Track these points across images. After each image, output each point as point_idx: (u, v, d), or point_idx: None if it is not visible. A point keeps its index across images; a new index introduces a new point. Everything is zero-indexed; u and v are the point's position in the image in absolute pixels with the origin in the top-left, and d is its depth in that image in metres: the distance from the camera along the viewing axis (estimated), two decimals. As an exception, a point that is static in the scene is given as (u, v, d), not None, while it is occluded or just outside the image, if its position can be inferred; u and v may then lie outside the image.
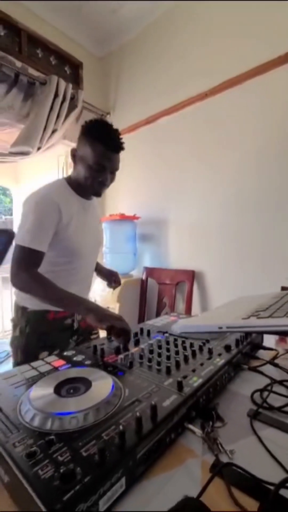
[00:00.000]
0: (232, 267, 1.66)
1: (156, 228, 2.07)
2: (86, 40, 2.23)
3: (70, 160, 0.97)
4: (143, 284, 2.06)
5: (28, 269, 0.85)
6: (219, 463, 0.39)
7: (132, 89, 2.26)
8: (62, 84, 1.85)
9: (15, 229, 0.86)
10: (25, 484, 0.30)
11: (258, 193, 1.57)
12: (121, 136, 0.90)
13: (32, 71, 1.81)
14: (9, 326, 3.85)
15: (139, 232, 2.10)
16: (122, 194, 2.20)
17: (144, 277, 2.08)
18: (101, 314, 0.77)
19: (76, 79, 2.19)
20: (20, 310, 0.98)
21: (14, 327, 1.00)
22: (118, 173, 0.97)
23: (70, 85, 1.93)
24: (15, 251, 0.86)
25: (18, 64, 1.70)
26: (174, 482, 0.37)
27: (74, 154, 0.93)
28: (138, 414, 0.39)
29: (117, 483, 0.33)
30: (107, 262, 2.02)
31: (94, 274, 1.17)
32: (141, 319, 2.02)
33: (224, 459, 0.41)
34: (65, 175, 1.27)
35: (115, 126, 0.92)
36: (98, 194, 0.97)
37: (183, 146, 1.91)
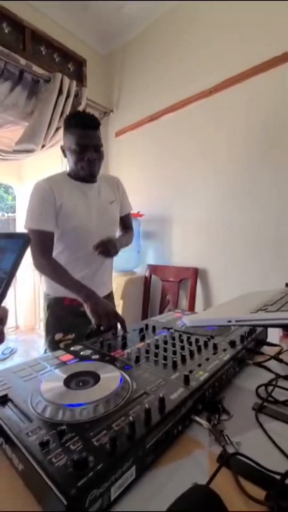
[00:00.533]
0: (236, 265, 1.66)
1: (159, 226, 2.07)
2: (90, 38, 2.22)
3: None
4: (147, 281, 2.07)
5: (42, 253, 0.99)
6: (226, 454, 0.40)
7: (136, 86, 2.26)
8: (66, 81, 1.85)
9: (19, 227, 0.97)
10: (40, 471, 0.31)
11: (263, 190, 1.57)
12: (93, 115, 0.99)
13: (35, 68, 1.81)
14: (13, 323, 3.89)
15: (142, 229, 2.11)
16: (126, 191, 2.21)
17: (147, 274, 2.09)
18: (94, 306, 0.89)
19: (79, 77, 2.19)
20: (45, 296, 1.14)
21: (43, 310, 1.17)
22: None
23: (74, 82, 1.93)
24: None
25: (23, 61, 1.70)
26: (182, 471, 0.38)
27: (63, 150, 1.04)
28: (147, 406, 0.40)
29: (127, 471, 0.34)
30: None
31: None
32: (145, 316, 2.03)
33: (230, 450, 0.42)
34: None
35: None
36: (91, 173, 1.02)
37: (187, 143, 1.91)
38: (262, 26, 1.53)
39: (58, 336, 1.06)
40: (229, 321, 0.39)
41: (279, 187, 1.51)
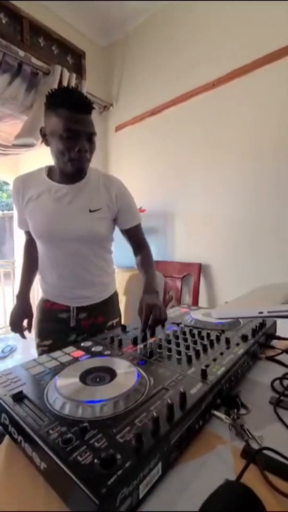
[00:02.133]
0: (239, 260, 1.66)
1: (162, 221, 2.06)
2: (89, 29, 2.18)
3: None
4: (149, 277, 2.06)
5: (24, 250, 1.06)
6: (250, 449, 0.39)
7: (136, 79, 2.22)
8: (66, 74, 1.81)
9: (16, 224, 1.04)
10: (67, 470, 0.30)
11: (267, 185, 1.55)
12: (86, 97, 0.79)
13: (34, 61, 1.77)
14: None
15: (144, 225, 2.09)
16: (127, 186, 2.18)
17: (149, 270, 2.08)
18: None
19: (78, 69, 2.15)
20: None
21: None
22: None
23: (74, 75, 1.89)
24: None
25: (21, 53, 1.66)
26: (207, 467, 0.38)
27: (44, 134, 0.82)
28: (169, 401, 0.39)
29: (154, 468, 0.33)
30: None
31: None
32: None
33: (253, 445, 0.41)
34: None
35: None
36: (80, 168, 0.83)
37: (189, 137, 1.89)
38: (267, 16, 1.51)
39: (36, 340, 1.00)
40: (261, 313, 0.38)
41: (284, 182, 1.50)
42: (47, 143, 0.84)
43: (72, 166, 0.81)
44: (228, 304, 0.55)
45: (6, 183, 3.65)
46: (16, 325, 1.01)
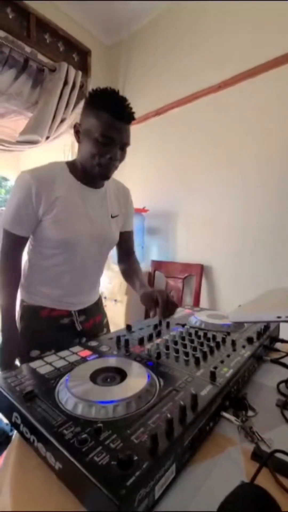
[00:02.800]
0: (242, 262, 1.66)
1: (164, 221, 2.06)
2: (95, 27, 2.16)
3: (75, 148, 0.92)
4: (151, 278, 2.06)
5: (7, 254, 0.84)
6: (261, 452, 0.39)
7: (141, 79, 2.21)
8: (72, 71, 1.81)
9: None
10: (85, 471, 0.30)
11: (270, 187, 1.56)
12: (130, 105, 0.77)
13: (40, 57, 1.76)
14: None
15: (147, 225, 2.09)
16: (130, 186, 2.18)
17: (151, 270, 2.08)
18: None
19: (84, 67, 2.14)
20: (20, 303, 0.92)
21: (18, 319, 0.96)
22: (125, 164, 0.89)
23: (80, 73, 1.88)
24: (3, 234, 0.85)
25: (28, 49, 1.65)
26: (219, 468, 0.38)
27: (77, 130, 0.80)
28: (182, 403, 0.40)
29: (169, 470, 0.34)
30: (114, 255, 2.01)
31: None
32: (148, 311, 2.02)
33: (262, 447, 0.41)
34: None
35: None
36: (106, 174, 0.82)
37: (194, 139, 1.89)
38: (274, 21, 1.51)
39: (35, 353, 0.86)
40: (279, 317, 0.38)
41: (287, 186, 1.50)
42: (78, 140, 0.82)
43: (99, 171, 0.80)
44: (244, 307, 0.55)
45: (5, 179, 3.63)
46: (11, 365, 0.83)
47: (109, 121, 0.74)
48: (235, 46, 1.67)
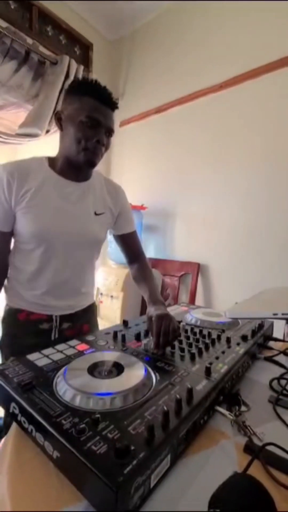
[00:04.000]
0: (238, 262, 1.68)
1: (162, 219, 2.06)
2: (98, 21, 2.14)
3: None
4: (146, 275, 2.07)
5: None
6: (254, 445, 0.41)
7: (143, 76, 2.20)
8: (74, 65, 1.79)
9: None
10: (83, 459, 0.31)
11: (269, 189, 1.57)
12: (112, 93, 0.78)
13: (41, 49, 1.74)
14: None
15: (145, 222, 2.10)
16: (129, 183, 2.18)
17: (147, 268, 2.09)
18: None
19: (85, 61, 2.12)
20: (3, 306, 0.88)
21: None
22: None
23: (82, 67, 1.87)
24: None
25: (29, 41, 1.63)
26: (212, 460, 0.39)
27: (59, 117, 0.78)
28: (178, 396, 0.41)
29: (164, 460, 0.34)
30: (111, 251, 2.02)
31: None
32: (144, 308, 2.03)
33: (254, 441, 0.42)
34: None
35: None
36: (93, 160, 0.78)
37: (194, 138, 1.89)
38: (278, 22, 1.51)
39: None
40: (275, 314, 0.39)
41: (285, 187, 1.52)
42: (61, 127, 0.79)
43: (85, 156, 0.76)
44: (240, 304, 0.56)
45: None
46: None
47: (94, 104, 0.74)
48: (237, 47, 1.67)
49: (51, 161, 0.83)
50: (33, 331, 0.83)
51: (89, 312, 0.96)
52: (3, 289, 0.86)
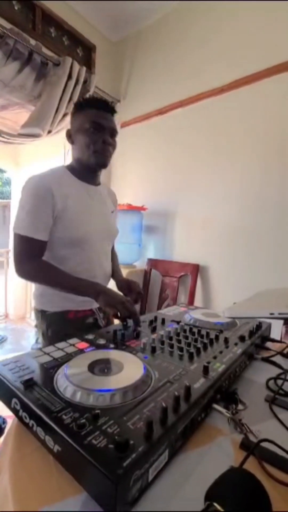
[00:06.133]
0: (237, 264, 1.69)
1: (162, 220, 2.08)
2: (101, 23, 2.16)
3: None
4: (146, 275, 2.08)
5: (30, 260, 0.82)
6: (249, 441, 0.42)
7: (145, 78, 2.22)
8: (76, 66, 1.80)
9: (13, 213, 0.85)
10: (84, 453, 0.31)
11: (268, 191, 1.59)
12: (109, 101, 0.91)
13: (44, 50, 1.75)
14: (2, 311, 3.79)
15: (145, 223, 2.11)
16: (130, 184, 2.20)
17: (147, 269, 2.10)
18: (108, 298, 0.78)
19: (88, 62, 2.14)
20: (40, 314, 0.93)
21: (38, 333, 0.95)
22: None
23: (84, 69, 1.88)
24: (14, 240, 0.83)
25: (32, 42, 1.64)
26: (209, 456, 0.40)
27: (69, 134, 0.92)
28: (176, 393, 0.42)
29: (162, 455, 0.35)
30: (111, 251, 2.02)
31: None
32: (143, 309, 2.04)
33: (251, 438, 0.43)
34: (67, 161, 1.23)
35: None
36: (103, 161, 0.89)
37: (194, 140, 1.91)
38: (280, 26, 1.53)
39: None
40: (272, 314, 0.40)
41: (284, 190, 1.53)
42: (72, 142, 0.91)
43: (96, 158, 0.88)
44: (238, 304, 0.57)
45: (2, 171, 3.59)
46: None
47: (95, 112, 0.86)
48: (239, 50, 1.69)
49: (70, 168, 0.93)
50: (82, 327, 0.91)
51: None
52: (48, 301, 0.91)
